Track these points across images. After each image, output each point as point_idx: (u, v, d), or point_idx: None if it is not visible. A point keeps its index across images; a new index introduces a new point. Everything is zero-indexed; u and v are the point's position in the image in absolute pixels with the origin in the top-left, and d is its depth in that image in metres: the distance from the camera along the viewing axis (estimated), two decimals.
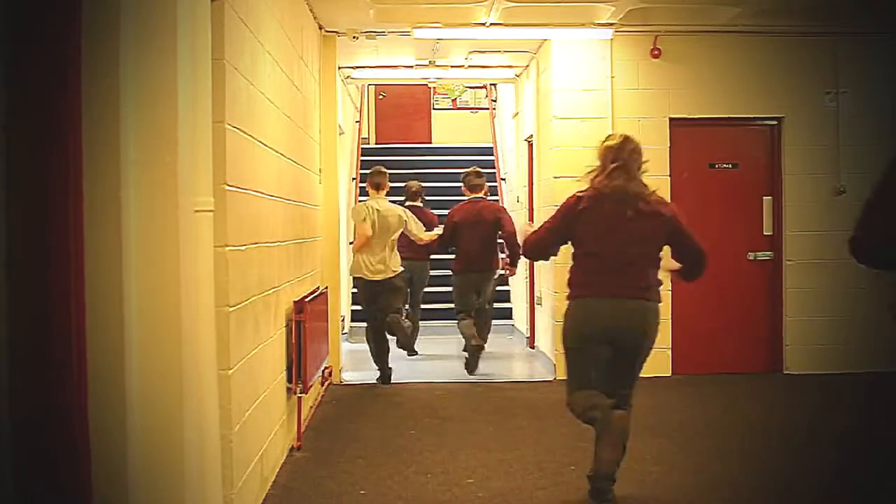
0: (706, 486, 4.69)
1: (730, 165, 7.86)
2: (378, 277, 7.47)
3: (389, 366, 7.63)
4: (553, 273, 7.66)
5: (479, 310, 7.88)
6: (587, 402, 4.35)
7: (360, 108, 12.88)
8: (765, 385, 7.39)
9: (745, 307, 7.85)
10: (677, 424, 5.93)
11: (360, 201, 8.30)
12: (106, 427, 2.55)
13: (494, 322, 8.76)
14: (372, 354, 7.70)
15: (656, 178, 7.48)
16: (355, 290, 8.16)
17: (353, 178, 11.64)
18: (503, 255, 8.01)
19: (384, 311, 7.47)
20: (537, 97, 8.53)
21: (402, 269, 7.68)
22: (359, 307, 9.22)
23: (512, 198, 10.82)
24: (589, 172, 4.44)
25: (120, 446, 2.58)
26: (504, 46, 8.34)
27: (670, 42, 7.60)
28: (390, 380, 7.60)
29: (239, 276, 3.97)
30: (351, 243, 10.46)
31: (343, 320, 9.10)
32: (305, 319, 5.28)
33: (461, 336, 7.87)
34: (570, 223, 4.45)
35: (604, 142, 4.50)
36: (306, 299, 5.44)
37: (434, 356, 8.99)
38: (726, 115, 7.74)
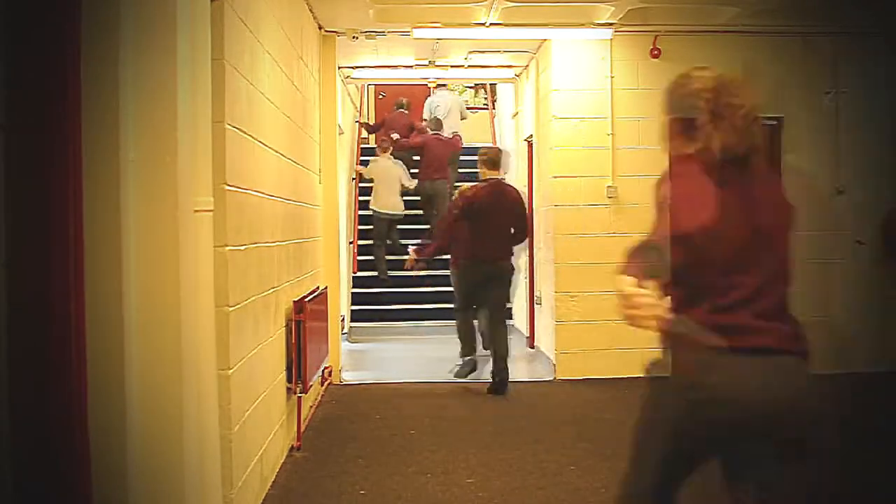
0: (706, 486, 4.68)
1: None
2: (388, 212, 10.55)
3: (387, 270, 10.46)
4: (553, 273, 7.66)
5: None
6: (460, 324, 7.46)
7: (360, 107, 12.87)
8: None
9: None
10: None
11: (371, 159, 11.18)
12: (106, 427, 2.55)
13: None
14: (376, 260, 10.62)
15: (656, 178, 7.52)
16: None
17: (353, 178, 11.63)
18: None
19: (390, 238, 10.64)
20: (537, 97, 8.53)
21: (402, 213, 10.66)
22: (358, 307, 10.54)
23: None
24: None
25: (120, 446, 2.58)
26: (504, 46, 8.34)
27: (670, 42, 7.59)
28: (387, 275, 10.40)
29: (239, 276, 3.97)
30: (350, 243, 10.56)
31: (343, 320, 9.10)
32: (305, 319, 5.27)
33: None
34: (462, 216, 7.06)
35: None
36: (306, 299, 5.44)
37: (433, 357, 8.98)
38: None
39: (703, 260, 2.39)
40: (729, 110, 2.48)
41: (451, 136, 11.28)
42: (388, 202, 10.63)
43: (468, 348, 7.50)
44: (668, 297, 2.41)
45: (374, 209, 10.68)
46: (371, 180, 10.83)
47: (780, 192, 2.61)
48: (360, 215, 11.51)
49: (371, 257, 10.93)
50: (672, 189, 2.48)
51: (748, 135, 2.48)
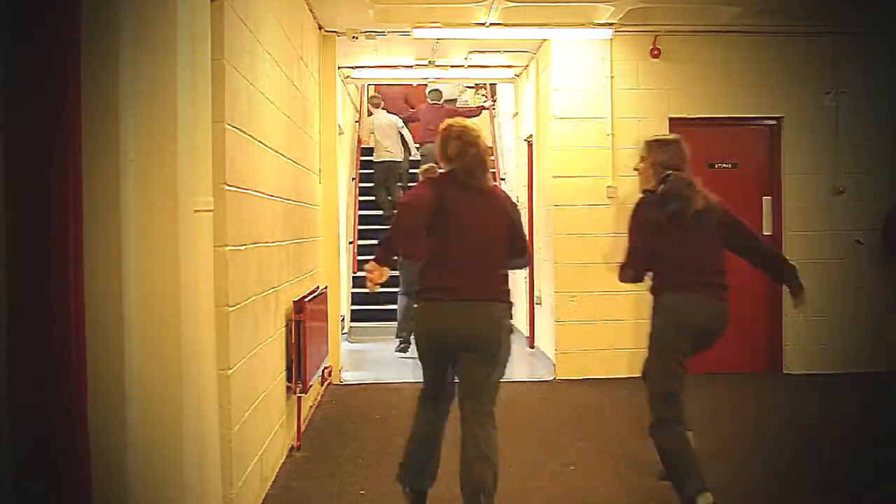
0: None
1: (729, 165, 7.86)
2: (388, 159, 11.34)
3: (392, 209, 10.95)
4: (553, 273, 7.66)
5: None
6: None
7: (360, 107, 12.88)
8: (765, 385, 7.40)
9: (745, 307, 7.85)
10: None
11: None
12: (106, 427, 2.55)
13: None
14: (377, 200, 11.51)
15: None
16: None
17: (353, 178, 11.64)
18: None
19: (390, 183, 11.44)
20: (537, 97, 8.53)
21: (401, 158, 11.44)
22: (358, 307, 10.50)
23: (511, 198, 10.83)
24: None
25: (120, 446, 2.58)
26: (504, 46, 8.34)
27: (670, 42, 7.60)
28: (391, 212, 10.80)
29: (239, 275, 3.97)
30: (350, 243, 10.56)
31: (343, 320, 9.10)
32: (305, 319, 5.28)
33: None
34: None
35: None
36: (306, 299, 5.44)
37: None
38: (726, 115, 7.75)
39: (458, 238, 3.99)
40: (466, 150, 4.01)
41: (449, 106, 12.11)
42: (389, 151, 11.39)
43: (406, 332, 8.40)
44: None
45: (375, 159, 11.48)
46: (372, 149, 11.59)
47: (499, 201, 4.18)
48: (360, 215, 11.52)
49: (369, 257, 11.10)
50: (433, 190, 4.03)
51: (476, 166, 4.03)
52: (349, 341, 9.69)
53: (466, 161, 4.00)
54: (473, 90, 14.26)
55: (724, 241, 4.37)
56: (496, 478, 3.83)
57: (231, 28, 3.86)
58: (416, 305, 4.11)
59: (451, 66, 9.21)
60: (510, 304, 4.22)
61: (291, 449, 5.35)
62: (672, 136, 4.72)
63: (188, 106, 2.80)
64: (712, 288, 4.30)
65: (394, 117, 11.59)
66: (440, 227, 3.95)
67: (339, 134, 8.83)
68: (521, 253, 4.27)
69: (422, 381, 4.18)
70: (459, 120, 4.21)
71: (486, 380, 4.00)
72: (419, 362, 4.14)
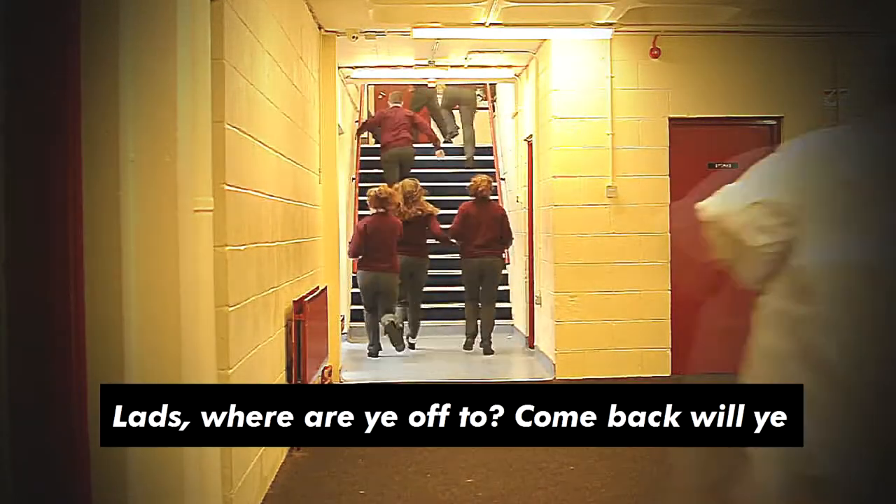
0: (705, 487, 4.68)
1: (729, 165, 7.85)
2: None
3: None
4: (553, 273, 7.67)
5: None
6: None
7: (360, 107, 12.87)
8: None
9: (745, 307, 7.84)
10: None
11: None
12: None
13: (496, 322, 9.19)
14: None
15: (656, 178, 7.55)
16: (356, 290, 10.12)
17: (353, 178, 11.63)
18: None
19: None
20: (536, 97, 8.53)
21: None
22: (358, 307, 10.37)
23: (511, 198, 10.83)
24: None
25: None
26: (503, 46, 8.34)
27: (670, 42, 7.60)
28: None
29: (238, 275, 3.97)
30: (350, 242, 10.54)
31: (343, 320, 9.11)
32: (305, 319, 5.28)
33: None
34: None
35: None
36: (306, 299, 5.44)
37: (432, 357, 8.99)
38: (726, 115, 7.75)
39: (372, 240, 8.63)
40: (393, 200, 8.75)
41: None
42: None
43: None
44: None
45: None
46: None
47: (397, 223, 8.79)
48: (360, 215, 11.52)
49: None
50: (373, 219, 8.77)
51: (397, 210, 8.80)
52: (349, 341, 9.69)
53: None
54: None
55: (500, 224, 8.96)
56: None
57: (231, 28, 3.86)
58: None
59: (451, 66, 9.21)
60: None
61: (291, 449, 5.35)
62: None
63: (188, 106, 2.80)
64: (481, 251, 8.75)
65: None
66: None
67: (339, 134, 8.83)
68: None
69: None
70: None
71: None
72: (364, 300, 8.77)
